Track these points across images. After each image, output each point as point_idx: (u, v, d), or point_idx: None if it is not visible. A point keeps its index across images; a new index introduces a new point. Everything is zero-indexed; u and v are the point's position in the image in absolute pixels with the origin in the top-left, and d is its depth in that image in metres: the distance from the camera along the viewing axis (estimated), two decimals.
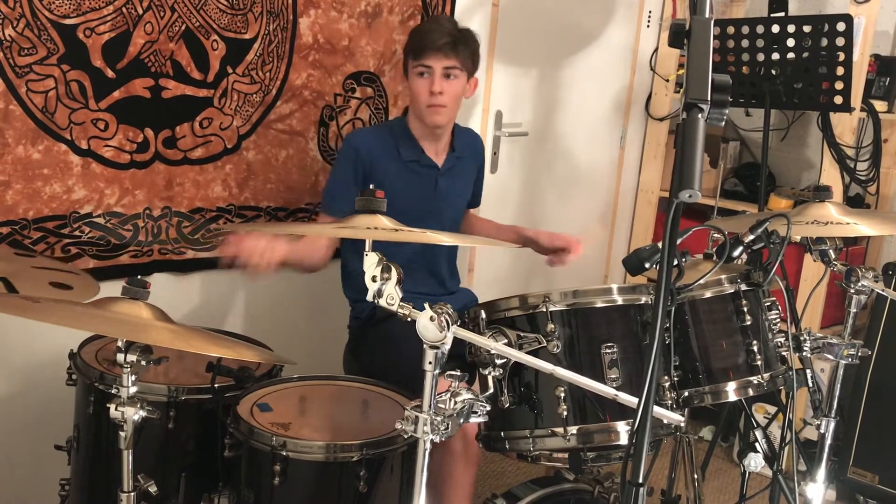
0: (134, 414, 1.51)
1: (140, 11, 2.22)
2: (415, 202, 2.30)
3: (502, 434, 1.76)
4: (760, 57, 2.92)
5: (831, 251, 1.96)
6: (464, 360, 1.70)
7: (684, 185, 1.08)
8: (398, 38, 2.74)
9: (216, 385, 1.86)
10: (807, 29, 2.80)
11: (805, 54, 2.83)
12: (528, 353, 1.63)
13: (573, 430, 1.67)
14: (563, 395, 1.67)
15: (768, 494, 2.08)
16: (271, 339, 2.11)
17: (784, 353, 1.92)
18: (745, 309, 1.83)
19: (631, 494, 1.19)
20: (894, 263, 2.85)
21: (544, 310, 1.68)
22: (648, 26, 3.71)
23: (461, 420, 1.45)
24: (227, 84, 2.43)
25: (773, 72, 2.91)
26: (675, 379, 1.77)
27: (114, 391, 1.53)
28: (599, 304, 1.72)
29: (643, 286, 1.74)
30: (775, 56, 2.89)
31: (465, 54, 2.27)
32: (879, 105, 3.21)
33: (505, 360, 1.59)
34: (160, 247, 2.38)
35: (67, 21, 2.12)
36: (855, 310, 1.96)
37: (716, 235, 1.94)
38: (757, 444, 2.02)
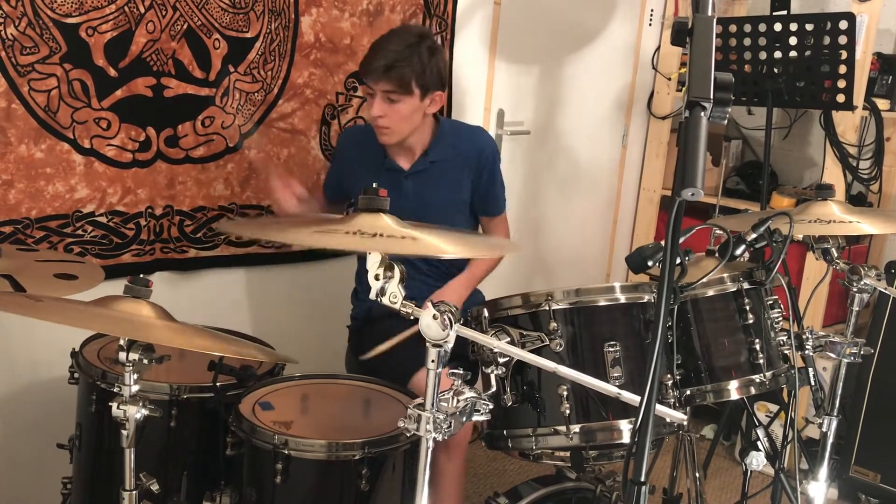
0: (136, 412, 1.51)
1: (142, 10, 2.22)
2: None
3: (505, 432, 1.76)
4: (763, 55, 2.91)
5: (833, 250, 1.96)
6: (466, 359, 1.70)
7: (687, 183, 1.08)
8: None
9: (218, 384, 1.86)
10: (809, 27, 2.79)
11: (807, 53, 2.83)
12: (531, 351, 1.63)
13: (576, 428, 1.67)
14: (565, 393, 1.67)
15: (770, 493, 2.08)
16: (273, 338, 2.11)
17: (786, 352, 1.92)
18: (748, 307, 1.83)
19: (633, 493, 1.19)
20: None
21: (547, 308, 1.68)
22: (650, 24, 3.71)
23: (464, 418, 1.45)
24: (228, 83, 2.43)
25: (776, 70, 2.90)
26: (678, 377, 1.77)
27: (116, 390, 1.53)
28: (602, 303, 1.72)
29: (646, 284, 1.74)
30: (777, 54, 2.89)
31: (405, 76, 2.16)
32: (882, 103, 3.20)
33: (508, 358, 1.59)
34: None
35: (69, 20, 2.12)
36: (857, 308, 1.96)
37: (718, 233, 1.93)
38: (759, 443, 2.02)
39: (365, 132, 2.44)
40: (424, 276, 2.43)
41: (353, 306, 2.49)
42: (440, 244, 1.53)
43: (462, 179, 2.44)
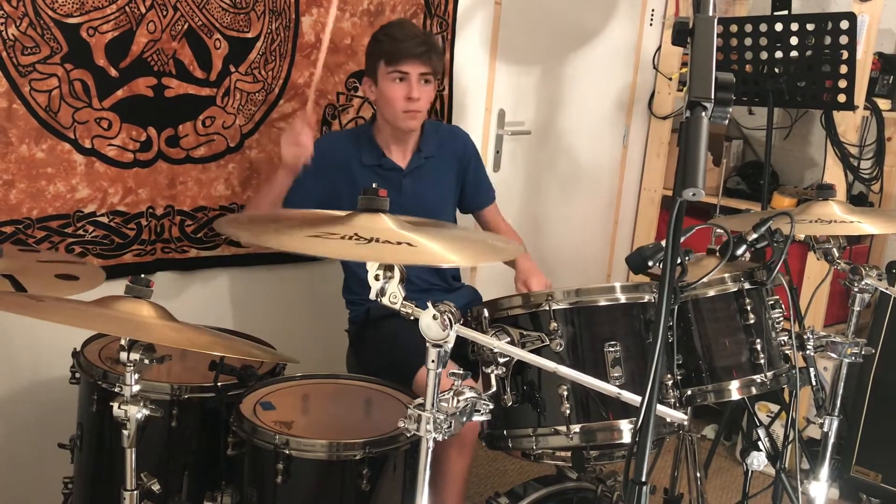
0: (137, 412, 1.51)
1: (143, 10, 2.22)
2: None
3: (505, 433, 1.76)
4: (764, 55, 2.91)
5: (835, 250, 1.96)
6: (466, 359, 1.70)
7: (688, 183, 1.08)
8: None
9: (219, 383, 1.86)
10: (810, 27, 2.79)
11: (808, 52, 2.83)
12: (531, 351, 1.63)
13: (576, 428, 1.67)
14: (566, 393, 1.67)
15: (771, 493, 2.08)
16: (274, 338, 2.11)
17: (787, 352, 1.91)
18: (749, 307, 1.83)
19: (634, 493, 1.19)
20: None
21: (547, 308, 1.68)
22: (651, 24, 3.71)
23: (464, 418, 1.45)
24: (229, 83, 2.43)
25: (777, 70, 2.90)
26: (679, 377, 1.76)
27: (117, 390, 1.53)
28: (602, 303, 1.71)
29: (646, 284, 1.74)
30: (778, 54, 2.88)
31: (437, 60, 2.30)
32: (883, 103, 3.20)
33: (508, 358, 1.59)
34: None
35: (70, 20, 2.12)
36: (858, 308, 1.96)
37: (719, 232, 1.93)
38: (760, 443, 2.01)
39: (347, 137, 2.44)
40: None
41: (349, 311, 2.49)
42: (440, 250, 1.47)
43: (450, 176, 2.50)
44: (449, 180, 2.49)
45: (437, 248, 1.45)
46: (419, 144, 2.41)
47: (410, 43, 2.24)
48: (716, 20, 1.16)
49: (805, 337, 1.93)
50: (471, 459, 2.15)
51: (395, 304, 1.38)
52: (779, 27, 2.86)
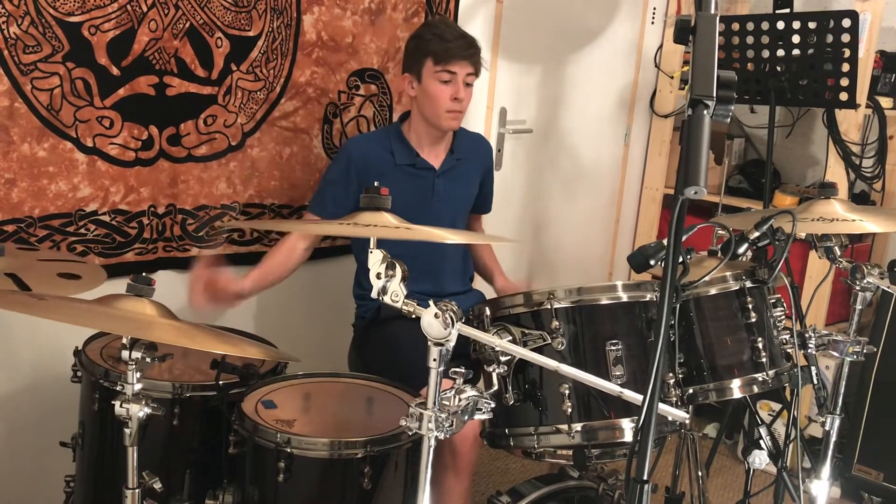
0: (139, 411, 1.51)
1: (144, 9, 2.22)
2: (412, 203, 2.29)
3: (507, 431, 1.76)
4: (765, 53, 2.91)
5: (836, 248, 1.96)
6: (468, 358, 1.70)
7: (690, 181, 1.08)
8: (402, 35, 2.74)
9: (221, 382, 1.86)
10: (812, 25, 2.79)
11: (810, 51, 2.82)
12: (533, 350, 1.63)
13: (578, 427, 1.67)
14: (567, 391, 1.67)
15: (773, 492, 2.08)
16: (276, 336, 2.12)
17: (789, 350, 1.91)
18: (750, 306, 1.83)
19: (635, 491, 1.19)
20: None
21: (549, 307, 1.68)
22: (653, 23, 3.70)
23: (465, 417, 1.45)
24: (231, 81, 2.43)
25: (779, 68, 2.90)
26: (680, 376, 1.76)
27: (119, 388, 1.53)
28: (604, 301, 1.71)
29: (648, 283, 1.74)
30: (780, 53, 2.88)
31: (479, 62, 2.33)
32: (885, 101, 3.20)
33: (509, 357, 1.59)
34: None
35: (72, 19, 2.12)
36: (860, 307, 1.96)
37: (720, 232, 1.93)
38: (761, 442, 2.01)
39: (377, 139, 2.44)
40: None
41: (358, 306, 2.49)
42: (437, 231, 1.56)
43: (475, 179, 2.56)
44: (474, 183, 2.54)
45: (434, 231, 1.56)
46: (452, 146, 2.43)
47: (460, 43, 2.26)
48: (718, 18, 1.15)
49: (807, 335, 1.92)
50: (470, 482, 2.15)
51: (397, 302, 1.38)
52: (780, 25, 2.85)
